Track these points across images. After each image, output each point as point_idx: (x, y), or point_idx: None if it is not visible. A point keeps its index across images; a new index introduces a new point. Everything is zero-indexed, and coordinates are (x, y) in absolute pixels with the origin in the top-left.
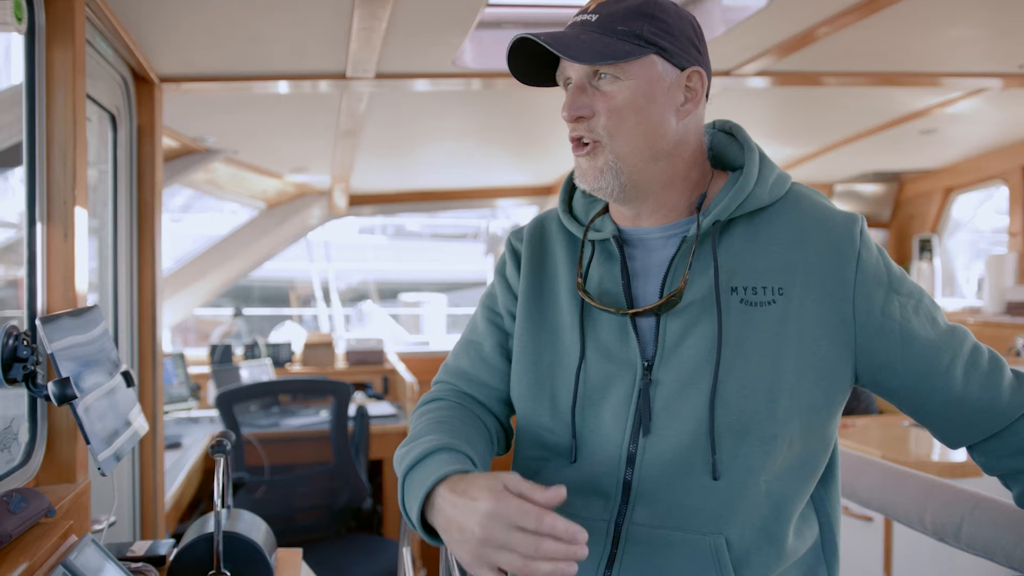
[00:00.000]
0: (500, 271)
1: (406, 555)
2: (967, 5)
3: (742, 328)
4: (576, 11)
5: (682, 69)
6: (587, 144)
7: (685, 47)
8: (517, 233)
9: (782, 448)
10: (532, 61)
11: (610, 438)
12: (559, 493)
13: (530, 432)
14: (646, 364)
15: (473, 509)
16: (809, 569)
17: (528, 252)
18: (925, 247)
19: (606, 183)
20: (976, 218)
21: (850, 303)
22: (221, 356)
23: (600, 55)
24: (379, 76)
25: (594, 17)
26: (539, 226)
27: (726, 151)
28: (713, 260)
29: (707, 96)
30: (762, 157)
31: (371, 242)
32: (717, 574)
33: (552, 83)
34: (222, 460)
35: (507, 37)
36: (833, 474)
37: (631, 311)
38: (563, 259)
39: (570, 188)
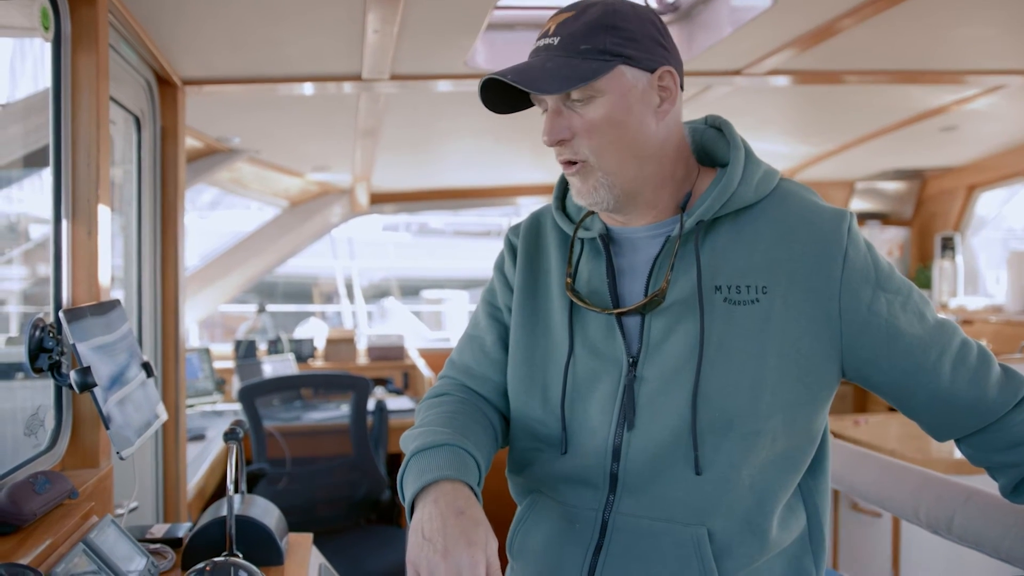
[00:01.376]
0: (499, 267)
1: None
2: (987, 1)
3: (725, 326)
4: (538, 34)
5: (652, 71)
6: (576, 164)
7: (651, 48)
8: (514, 229)
9: (765, 443)
10: (507, 90)
11: (597, 432)
12: None
13: (523, 424)
14: (631, 360)
15: (455, 538)
16: (795, 559)
17: (523, 248)
18: (947, 245)
19: (600, 198)
20: (1005, 216)
21: (836, 300)
22: (245, 351)
23: (567, 80)
24: (394, 77)
25: (556, 40)
26: (535, 222)
27: (715, 147)
28: (696, 260)
29: (681, 88)
30: (748, 154)
31: (394, 239)
32: (698, 564)
33: (531, 104)
34: (235, 447)
35: (518, 38)
36: (822, 465)
37: (616, 311)
38: (556, 256)
39: (564, 186)
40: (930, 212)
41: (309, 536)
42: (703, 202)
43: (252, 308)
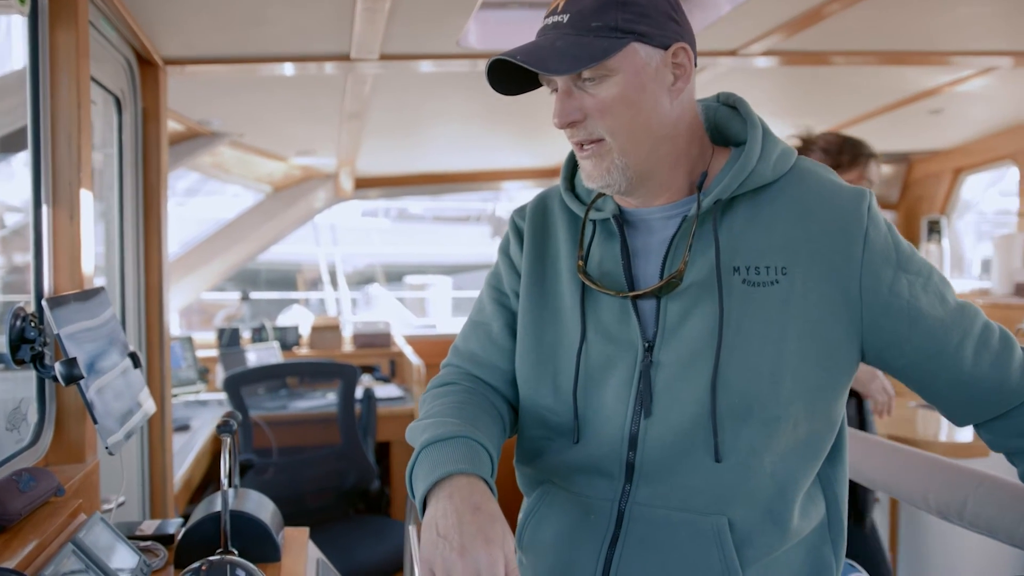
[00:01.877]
0: (504, 250)
1: (412, 534)
2: None
3: (744, 308)
4: (545, 11)
5: (666, 48)
6: (589, 145)
7: (663, 24)
8: (520, 211)
9: (786, 429)
10: (515, 71)
11: (612, 419)
12: None
13: (533, 412)
14: (647, 345)
15: (472, 535)
16: (814, 547)
17: (530, 230)
18: (934, 228)
19: (613, 180)
20: (982, 200)
21: (856, 281)
22: (229, 339)
23: (578, 60)
24: (383, 57)
25: (565, 17)
26: (541, 203)
27: (729, 125)
28: (714, 240)
29: (695, 65)
30: (765, 132)
31: (374, 225)
32: (719, 554)
33: (539, 85)
34: (228, 440)
35: (512, 17)
36: (840, 453)
37: (631, 293)
38: (565, 238)
39: (572, 166)
40: (916, 195)
41: (305, 530)
42: (720, 181)
43: (233, 296)
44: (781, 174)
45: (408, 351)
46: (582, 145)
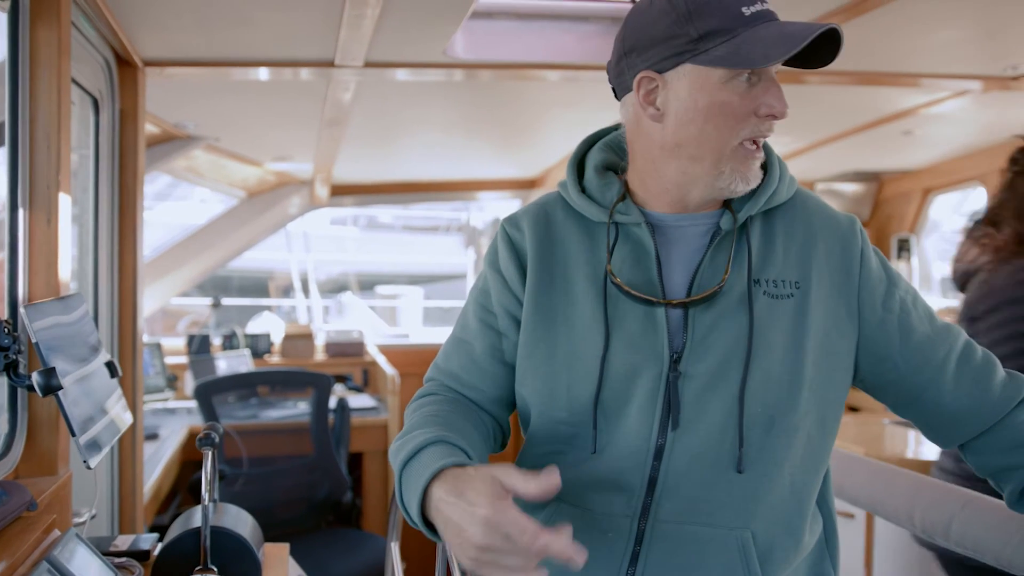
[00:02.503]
0: (493, 264)
1: (395, 549)
2: (953, 7)
3: (768, 320)
4: (750, 0)
5: None
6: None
7: None
8: (512, 221)
9: (802, 440)
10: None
11: (637, 431)
12: (552, 479)
13: (546, 426)
14: (674, 356)
15: (471, 514)
16: (816, 564)
17: (535, 241)
18: (903, 246)
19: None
20: (947, 221)
21: (855, 297)
22: (198, 346)
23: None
24: (368, 65)
25: (774, 12)
26: (541, 211)
27: None
28: (748, 253)
29: None
30: (778, 157)
31: (343, 233)
32: (744, 569)
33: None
34: (210, 452)
35: (500, 28)
36: (829, 469)
37: (674, 301)
38: (576, 245)
39: (578, 170)
40: (886, 214)
41: (285, 547)
42: (749, 197)
43: (203, 302)
44: (790, 196)
45: (382, 360)
46: (760, 142)
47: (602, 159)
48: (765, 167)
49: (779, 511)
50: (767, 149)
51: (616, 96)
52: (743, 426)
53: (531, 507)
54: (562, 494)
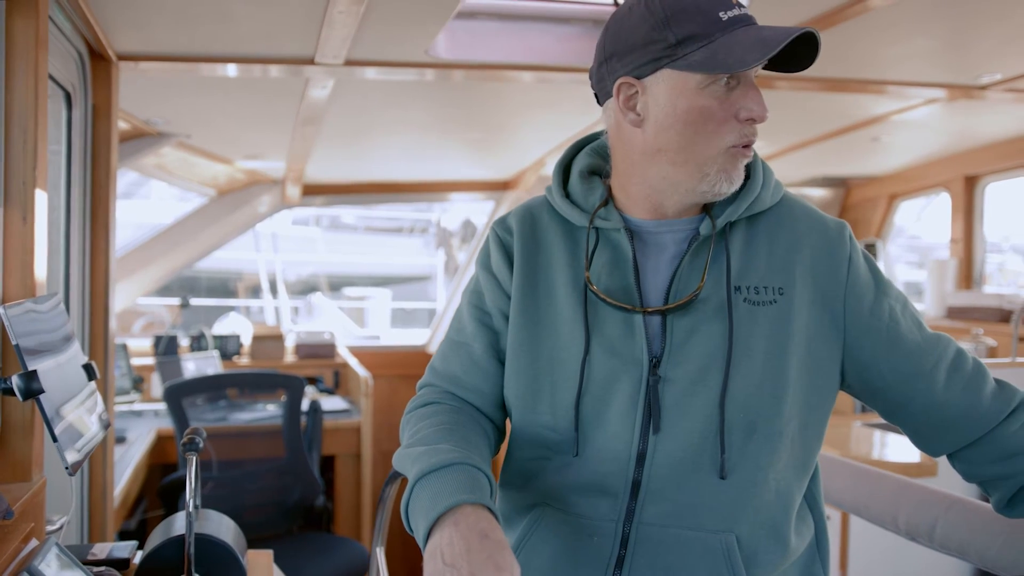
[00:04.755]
0: (485, 264)
1: (379, 554)
2: (923, 17)
3: (748, 327)
4: (725, 0)
5: None
6: (747, 147)
7: None
8: (502, 223)
9: (786, 445)
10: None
11: (618, 436)
12: None
13: (528, 431)
14: (653, 360)
15: (481, 563)
16: (806, 567)
17: (520, 243)
18: (870, 251)
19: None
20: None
21: (841, 303)
22: (166, 348)
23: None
24: (348, 63)
25: (752, 16)
26: (528, 214)
27: None
28: (726, 260)
29: None
30: (764, 163)
31: (306, 233)
32: (729, 572)
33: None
34: (195, 458)
35: (482, 28)
36: (818, 472)
37: (648, 309)
38: (559, 249)
39: (563, 174)
40: (853, 219)
41: (269, 553)
42: (729, 203)
43: (160, 302)
44: (775, 202)
45: (354, 362)
46: (750, 145)
47: (587, 164)
48: (749, 171)
49: (764, 515)
50: (753, 155)
51: (598, 102)
52: (724, 431)
53: (517, 509)
54: (547, 497)
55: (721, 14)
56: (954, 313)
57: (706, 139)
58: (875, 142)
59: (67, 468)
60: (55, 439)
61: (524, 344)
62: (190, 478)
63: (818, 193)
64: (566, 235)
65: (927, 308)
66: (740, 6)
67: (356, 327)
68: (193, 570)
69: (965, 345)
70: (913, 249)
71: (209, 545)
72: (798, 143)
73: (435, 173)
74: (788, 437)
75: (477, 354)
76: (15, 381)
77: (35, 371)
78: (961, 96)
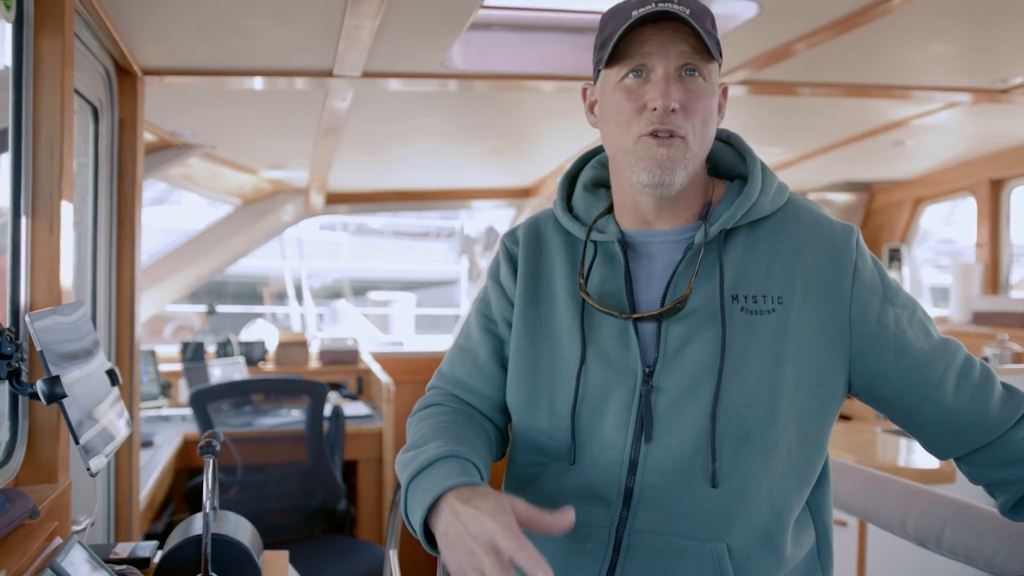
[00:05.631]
0: (494, 275)
1: (392, 557)
2: (943, 21)
3: (744, 336)
4: (645, 2)
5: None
6: (674, 139)
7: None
8: (511, 235)
9: (782, 454)
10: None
11: (612, 444)
12: (567, 517)
13: (527, 438)
14: (647, 370)
15: (473, 517)
16: (806, 575)
17: (524, 254)
18: (895, 256)
19: (677, 178)
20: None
21: (846, 312)
22: (192, 354)
23: (710, 35)
24: (366, 75)
25: (687, 11)
26: (534, 227)
27: (723, 160)
28: (719, 268)
29: None
30: (763, 167)
31: (333, 238)
32: None
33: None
34: (211, 461)
35: (496, 39)
36: (827, 480)
37: (634, 315)
38: (561, 261)
39: (568, 187)
40: (878, 224)
41: (284, 554)
42: (724, 210)
43: (197, 308)
44: (777, 207)
45: (376, 368)
46: (670, 135)
47: (592, 176)
48: (741, 177)
49: (756, 525)
50: (750, 161)
51: None
52: (716, 441)
53: None
54: (545, 503)
55: (635, 11)
56: (979, 318)
57: (622, 132)
58: (899, 146)
59: (88, 470)
60: (77, 442)
61: (525, 352)
62: (207, 480)
63: (842, 198)
64: (568, 247)
65: (952, 313)
66: (661, 2)
67: (380, 333)
68: (210, 569)
69: (990, 351)
70: (946, 254)
71: (226, 545)
72: (820, 148)
73: (457, 181)
74: (784, 447)
75: (482, 360)
76: (39, 386)
77: (58, 376)
78: (985, 99)
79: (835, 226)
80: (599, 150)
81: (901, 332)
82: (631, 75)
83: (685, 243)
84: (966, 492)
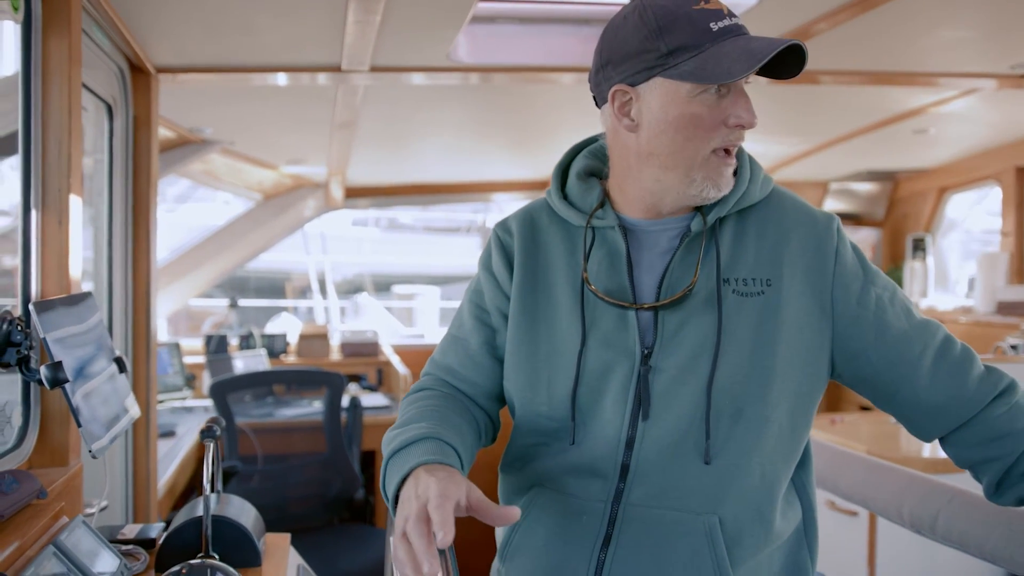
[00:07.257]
0: (486, 265)
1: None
2: (962, 4)
3: (736, 317)
4: (713, 14)
5: None
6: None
7: None
8: (503, 225)
9: (773, 431)
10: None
11: (610, 423)
12: (513, 513)
13: (528, 419)
14: (645, 351)
15: (425, 481)
16: (792, 552)
17: (521, 244)
18: (919, 246)
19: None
20: (968, 219)
21: (829, 294)
22: (216, 346)
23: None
24: (374, 69)
25: (743, 27)
26: (528, 216)
27: None
28: (716, 254)
29: None
30: (751, 158)
31: (364, 234)
32: (711, 552)
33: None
34: (212, 445)
35: (501, 32)
36: (809, 460)
37: (644, 305)
38: (558, 249)
39: (561, 176)
40: (902, 213)
41: (286, 536)
42: (719, 199)
43: (221, 303)
44: (764, 196)
45: (395, 360)
46: (731, 151)
47: (585, 166)
48: (736, 167)
49: (748, 498)
50: (739, 151)
51: (596, 105)
52: (710, 417)
53: (515, 490)
54: (543, 480)
55: (712, 25)
56: (1004, 308)
57: (694, 144)
58: (922, 134)
59: (91, 452)
60: (80, 424)
61: (524, 340)
62: (207, 464)
63: (864, 187)
64: (564, 235)
65: (976, 303)
66: (732, 16)
67: (402, 326)
68: (210, 548)
69: (1014, 340)
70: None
71: (226, 526)
72: (840, 136)
73: (475, 174)
74: (775, 423)
75: (473, 349)
76: (43, 371)
77: (60, 362)
78: (1008, 85)
79: (816, 214)
80: (590, 141)
81: (881, 311)
82: (716, 89)
83: (679, 231)
84: (972, 481)
